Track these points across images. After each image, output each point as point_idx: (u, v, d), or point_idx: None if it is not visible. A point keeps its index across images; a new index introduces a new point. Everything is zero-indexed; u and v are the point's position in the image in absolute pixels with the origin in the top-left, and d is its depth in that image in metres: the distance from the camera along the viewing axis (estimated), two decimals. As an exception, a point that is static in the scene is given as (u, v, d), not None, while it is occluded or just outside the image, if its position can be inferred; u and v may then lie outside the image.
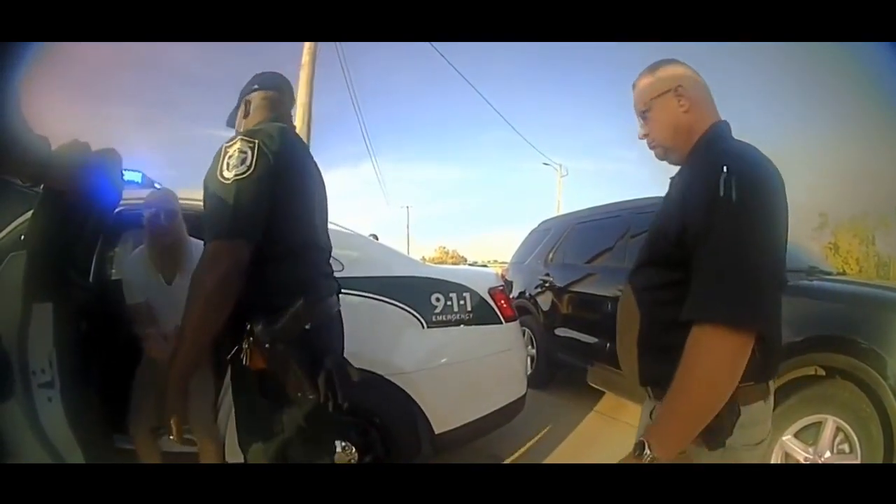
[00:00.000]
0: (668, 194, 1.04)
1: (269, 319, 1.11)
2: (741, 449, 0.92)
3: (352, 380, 1.31)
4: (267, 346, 1.10)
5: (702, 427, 0.85)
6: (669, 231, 0.93)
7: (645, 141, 1.07)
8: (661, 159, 1.05)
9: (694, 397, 0.84)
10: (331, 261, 1.44)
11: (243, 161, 1.11)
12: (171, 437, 1.19)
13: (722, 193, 0.82)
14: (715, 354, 0.82)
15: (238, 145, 1.13)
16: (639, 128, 1.07)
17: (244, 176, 1.10)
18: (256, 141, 1.13)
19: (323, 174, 1.41)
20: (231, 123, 1.44)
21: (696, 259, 0.86)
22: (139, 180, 2.84)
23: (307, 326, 1.13)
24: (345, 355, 1.45)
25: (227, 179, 1.11)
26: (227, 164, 1.12)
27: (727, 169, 0.84)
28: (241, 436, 1.30)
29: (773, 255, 0.85)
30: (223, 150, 1.15)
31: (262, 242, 1.14)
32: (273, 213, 1.14)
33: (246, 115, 1.35)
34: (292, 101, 1.44)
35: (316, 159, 1.39)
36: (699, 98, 1.01)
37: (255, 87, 1.36)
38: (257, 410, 1.24)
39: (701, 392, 0.83)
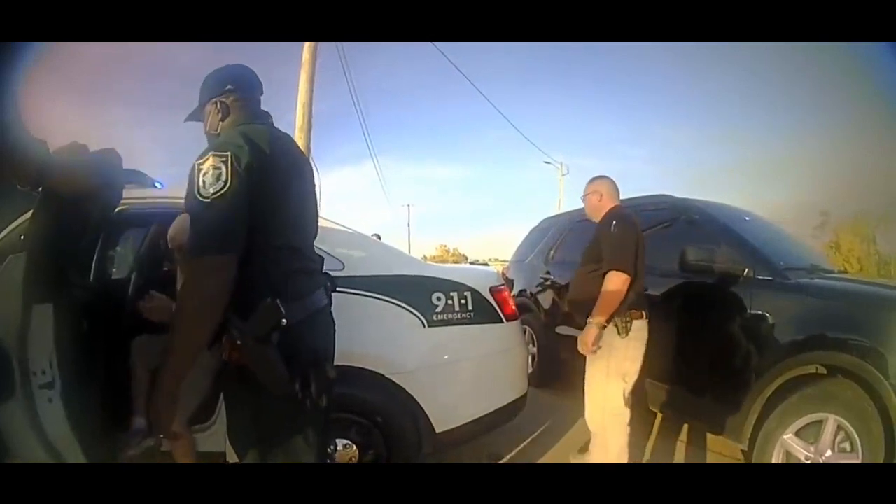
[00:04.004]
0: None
1: (242, 317, 1.15)
2: None
3: (330, 377, 1.32)
4: (239, 342, 1.15)
5: None
6: (594, 246, 2.35)
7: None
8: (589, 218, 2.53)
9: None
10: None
11: (218, 178, 1.14)
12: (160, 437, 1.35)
13: (604, 230, 2.30)
14: (609, 280, 2.16)
15: (211, 161, 1.15)
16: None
17: (221, 192, 1.13)
18: (228, 154, 1.15)
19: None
20: (195, 118, 1.44)
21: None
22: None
23: (284, 322, 1.14)
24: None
25: (207, 197, 1.14)
26: (204, 181, 1.15)
27: (607, 223, 2.29)
28: (229, 428, 1.35)
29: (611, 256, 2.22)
30: (196, 167, 1.17)
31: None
32: (248, 220, 1.17)
33: (223, 118, 1.36)
34: (261, 91, 1.44)
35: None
36: (608, 195, 2.40)
37: (229, 87, 1.37)
38: (239, 403, 1.29)
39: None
